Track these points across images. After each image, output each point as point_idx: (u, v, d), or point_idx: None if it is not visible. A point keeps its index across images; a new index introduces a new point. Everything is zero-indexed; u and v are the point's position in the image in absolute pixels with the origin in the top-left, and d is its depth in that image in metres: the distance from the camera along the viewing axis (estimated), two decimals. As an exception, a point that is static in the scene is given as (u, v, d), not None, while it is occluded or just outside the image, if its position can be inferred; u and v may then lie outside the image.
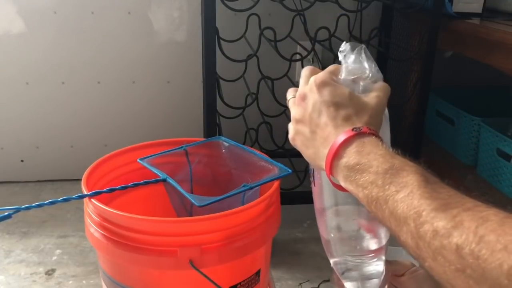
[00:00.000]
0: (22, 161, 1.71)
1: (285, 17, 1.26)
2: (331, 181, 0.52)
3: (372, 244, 0.63)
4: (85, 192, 0.76)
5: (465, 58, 1.40)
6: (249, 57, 1.23)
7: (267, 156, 0.88)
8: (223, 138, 0.96)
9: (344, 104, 0.52)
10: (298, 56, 1.31)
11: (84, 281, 1.22)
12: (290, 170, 0.82)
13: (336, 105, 0.52)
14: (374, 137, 0.49)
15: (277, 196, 0.84)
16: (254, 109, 1.28)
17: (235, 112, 1.29)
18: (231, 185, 0.88)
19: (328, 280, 1.23)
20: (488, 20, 1.37)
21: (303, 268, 1.28)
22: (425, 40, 1.30)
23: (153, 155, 0.89)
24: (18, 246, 1.35)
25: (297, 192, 1.26)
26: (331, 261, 0.65)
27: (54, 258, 1.31)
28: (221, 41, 1.18)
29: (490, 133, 1.34)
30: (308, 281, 1.23)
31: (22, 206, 0.69)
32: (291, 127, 0.58)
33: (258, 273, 0.81)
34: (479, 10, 1.40)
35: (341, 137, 0.49)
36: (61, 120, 1.68)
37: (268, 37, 1.22)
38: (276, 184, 0.80)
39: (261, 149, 1.27)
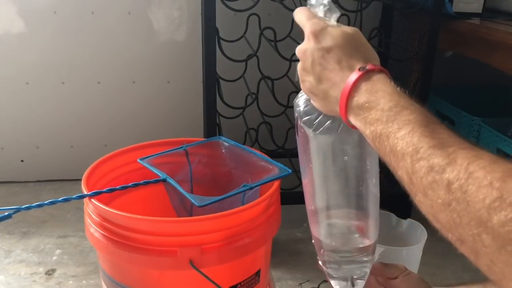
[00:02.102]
0: (22, 161, 1.71)
1: (285, 17, 1.25)
2: (346, 122, 0.53)
3: (362, 243, 0.63)
4: (85, 192, 0.76)
5: (465, 58, 1.40)
6: (249, 57, 1.23)
7: (267, 156, 0.88)
8: (223, 138, 0.96)
9: (346, 46, 0.53)
10: (298, 56, 1.30)
11: (84, 281, 1.22)
12: (290, 170, 0.82)
13: (337, 49, 0.53)
14: (381, 74, 0.51)
15: (277, 196, 0.84)
16: (254, 109, 1.28)
17: (235, 112, 1.29)
18: (231, 185, 0.88)
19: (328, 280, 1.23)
20: (488, 20, 1.37)
21: (303, 268, 1.28)
22: (425, 40, 1.30)
23: (153, 155, 0.89)
24: (18, 246, 1.35)
25: (297, 192, 1.26)
26: (320, 260, 0.65)
27: (54, 258, 1.30)
28: (221, 41, 1.18)
29: (490, 133, 1.34)
30: (308, 281, 1.23)
31: (22, 206, 0.69)
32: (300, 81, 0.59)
33: (258, 273, 0.81)
34: (479, 10, 1.40)
35: (351, 79, 0.51)
36: (61, 120, 1.68)
37: (268, 37, 1.22)
38: (276, 184, 0.80)
39: (261, 149, 1.27)
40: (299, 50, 0.57)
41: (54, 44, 1.59)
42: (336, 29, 0.54)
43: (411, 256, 1.03)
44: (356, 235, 0.63)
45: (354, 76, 0.51)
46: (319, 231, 0.64)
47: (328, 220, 0.64)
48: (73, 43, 1.59)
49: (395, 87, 0.49)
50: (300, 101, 0.61)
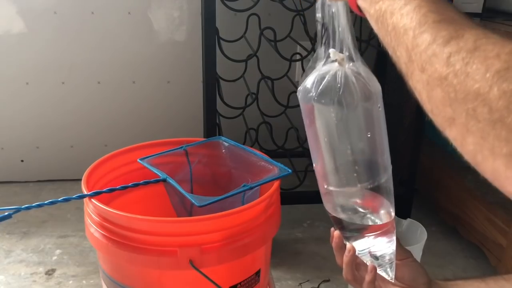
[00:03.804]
0: (22, 161, 1.71)
1: (285, 17, 1.26)
2: (354, 7, 0.52)
3: (373, 221, 0.63)
4: (85, 192, 0.76)
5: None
6: (249, 57, 1.23)
7: (267, 156, 0.88)
8: (223, 138, 0.96)
9: None
10: (298, 56, 1.30)
11: (84, 281, 1.22)
12: (290, 170, 0.82)
13: None
14: None
15: (277, 196, 0.84)
16: (254, 109, 1.28)
17: (235, 112, 1.29)
18: (231, 185, 0.88)
19: (328, 280, 1.23)
20: (488, 20, 1.37)
21: (303, 268, 1.28)
22: (425, 40, 1.30)
23: (153, 155, 0.89)
24: (18, 246, 1.35)
25: (297, 192, 1.26)
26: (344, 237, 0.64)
27: (54, 258, 1.31)
28: (221, 41, 1.18)
29: (490, 133, 1.34)
30: (308, 281, 1.23)
31: (22, 206, 0.69)
32: None
33: (258, 273, 0.81)
34: (479, 10, 1.40)
35: None
36: (61, 120, 1.68)
37: (268, 37, 1.22)
38: (276, 184, 0.80)
39: (261, 149, 1.27)
40: None
41: (54, 44, 1.59)
42: None
43: (411, 256, 1.03)
44: (368, 214, 0.63)
45: None
46: (334, 209, 0.64)
47: (341, 199, 0.63)
48: (73, 43, 1.59)
49: None
50: (308, 84, 0.59)
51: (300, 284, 1.22)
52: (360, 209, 0.63)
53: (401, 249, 0.69)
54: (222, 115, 1.34)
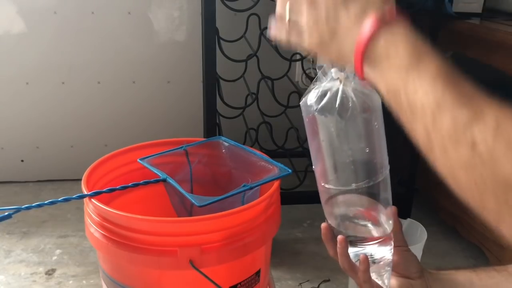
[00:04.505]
0: (22, 161, 1.71)
1: (285, 17, 1.26)
2: (360, 76, 0.50)
3: (369, 233, 0.63)
4: (85, 192, 0.76)
5: (465, 58, 1.40)
6: (249, 57, 1.23)
7: (267, 156, 0.88)
8: (223, 138, 0.96)
9: None
10: (298, 56, 1.30)
11: (84, 281, 1.22)
12: (290, 170, 0.82)
13: None
14: (399, 23, 0.47)
15: (277, 196, 0.84)
16: (254, 109, 1.28)
17: (235, 112, 1.29)
18: (231, 185, 0.88)
19: (328, 280, 1.23)
20: (488, 20, 1.37)
21: (303, 268, 1.28)
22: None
23: (153, 155, 0.89)
24: (18, 246, 1.35)
25: (297, 192, 1.26)
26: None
27: (54, 258, 1.31)
28: (221, 41, 1.18)
29: (490, 133, 1.34)
30: (308, 281, 1.23)
31: (22, 206, 0.69)
32: (303, 34, 0.54)
33: (258, 273, 0.81)
34: (479, 10, 1.40)
35: (368, 27, 0.47)
36: (61, 120, 1.68)
37: (268, 37, 1.22)
38: (276, 184, 0.80)
39: (261, 149, 1.27)
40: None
41: (54, 44, 1.59)
42: None
43: (411, 256, 1.03)
44: (367, 225, 0.63)
45: (373, 25, 0.46)
46: (332, 217, 0.64)
47: (339, 208, 0.64)
48: (73, 43, 1.59)
49: (415, 38, 0.45)
50: (311, 98, 0.59)
51: (300, 284, 1.22)
52: (359, 220, 0.64)
53: (398, 236, 0.68)
54: (222, 115, 1.34)
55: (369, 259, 0.63)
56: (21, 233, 1.41)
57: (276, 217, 0.81)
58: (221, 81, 1.27)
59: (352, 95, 0.57)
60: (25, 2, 1.54)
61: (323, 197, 0.65)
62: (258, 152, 0.90)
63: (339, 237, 0.63)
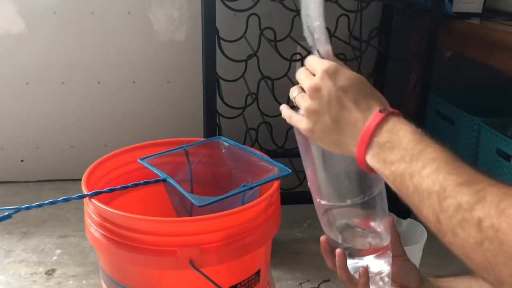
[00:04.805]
0: (22, 161, 1.71)
1: (285, 17, 1.26)
2: (362, 166, 0.53)
3: (364, 245, 0.63)
4: (85, 192, 0.76)
5: (465, 58, 1.40)
6: (249, 57, 1.23)
7: (267, 156, 0.88)
8: (223, 138, 0.96)
9: (360, 87, 0.53)
10: (298, 56, 1.30)
11: (84, 281, 1.22)
12: (290, 170, 0.82)
13: (353, 89, 0.53)
14: (401, 117, 0.51)
15: (277, 196, 0.84)
16: (254, 109, 1.28)
17: (235, 112, 1.29)
18: (231, 185, 0.88)
19: (328, 280, 1.23)
20: (488, 20, 1.37)
21: (303, 268, 1.28)
22: (425, 40, 1.30)
23: (153, 155, 0.89)
24: (18, 246, 1.35)
25: (297, 192, 1.26)
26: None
27: (54, 258, 1.31)
28: (221, 41, 1.18)
29: (490, 133, 1.34)
30: (308, 281, 1.23)
31: (22, 206, 0.69)
32: (304, 120, 0.58)
33: (258, 273, 0.81)
34: (479, 10, 1.40)
35: (373, 120, 0.50)
36: (61, 120, 1.68)
37: (268, 37, 1.22)
38: (276, 184, 0.80)
39: (261, 149, 1.27)
40: (313, 87, 0.55)
41: (54, 44, 1.59)
42: (349, 70, 0.54)
43: (411, 256, 1.03)
44: (365, 236, 0.63)
45: (376, 117, 0.50)
46: (329, 231, 0.64)
47: (337, 220, 0.64)
48: (73, 43, 1.59)
49: (415, 127, 0.49)
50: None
51: (300, 284, 1.22)
52: (357, 231, 0.64)
53: (396, 247, 0.69)
54: (222, 115, 1.34)
55: (369, 271, 0.63)
56: (21, 233, 1.41)
57: (276, 217, 0.81)
58: (221, 81, 1.27)
59: None
60: (25, 2, 1.54)
61: (319, 210, 0.65)
62: (258, 152, 0.90)
63: (338, 250, 0.63)
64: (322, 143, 0.57)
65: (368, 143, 0.50)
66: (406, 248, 0.98)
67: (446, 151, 0.45)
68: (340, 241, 0.64)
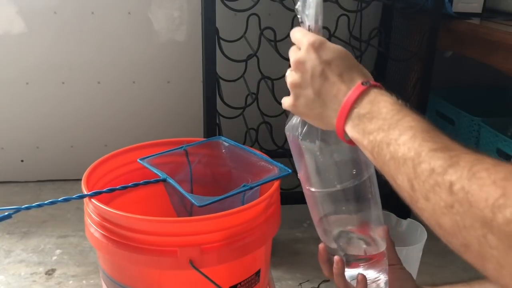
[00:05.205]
0: (22, 161, 1.71)
1: (285, 17, 1.26)
2: (341, 137, 0.53)
3: (361, 251, 0.63)
4: (85, 192, 0.76)
5: (465, 58, 1.40)
6: (249, 57, 1.23)
7: (267, 156, 0.88)
8: (223, 138, 0.96)
9: (344, 60, 0.53)
10: (298, 56, 1.30)
11: (84, 281, 1.22)
12: (290, 170, 0.82)
13: (337, 62, 0.53)
14: (382, 89, 0.52)
15: (277, 196, 0.84)
16: (254, 109, 1.28)
17: (235, 112, 1.29)
18: (231, 185, 0.88)
19: (328, 280, 1.23)
20: (488, 20, 1.37)
21: (303, 268, 1.28)
22: (425, 40, 1.30)
23: (153, 155, 0.89)
24: (18, 246, 1.35)
25: (297, 192, 1.26)
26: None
27: (54, 258, 1.31)
28: (221, 41, 1.18)
29: (490, 133, 1.34)
30: (308, 281, 1.23)
31: (22, 206, 0.69)
32: (288, 97, 0.58)
33: (258, 273, 0.81)
34: (479, 10, 1.40)
35: (354, 92, 0.51)
36: (61, 120, 1.68)
37: (268, 37, 1.22)
38: (276, 184, 0.80)
39: (261, 149, 1.27)
40: (297, 60, 0.55)
41: (54, 44, 1.59)
42: (333, 44, 0.55)
43: (411, 256, 1.03)
44: (362, 242, 0.64)
45: (357, 88, 0.51)
46: (326, 239, 0.64)
47: (333, 228, 0.64)
48: (73, 43, 1.59)
49: (395, 99, 0.50)
50: (295, 123, 0.60)
51: (300, 284, 1.22)
52: (354, 238, 0.64)
53: (391, 255, 0.69)
54: (222, 115, 1.34)
55: (366, 279, 0.63)
56: (21, 233, 1.41)
57: (276, 217, 0.81)
58: (221, 81, 1.27)
59: None
60: (25, 2, 1.54)
61: (314, 214, 0.65)
62: (258, 152, 0.90)
63: (336, 257, 0.63)
64: (306, 117, 0.57)
65: (348, 114, 0.51)
66: (406, 248, 0.99)
67: (424, 121, 0.46)
68: (336, 248, 0.64)
